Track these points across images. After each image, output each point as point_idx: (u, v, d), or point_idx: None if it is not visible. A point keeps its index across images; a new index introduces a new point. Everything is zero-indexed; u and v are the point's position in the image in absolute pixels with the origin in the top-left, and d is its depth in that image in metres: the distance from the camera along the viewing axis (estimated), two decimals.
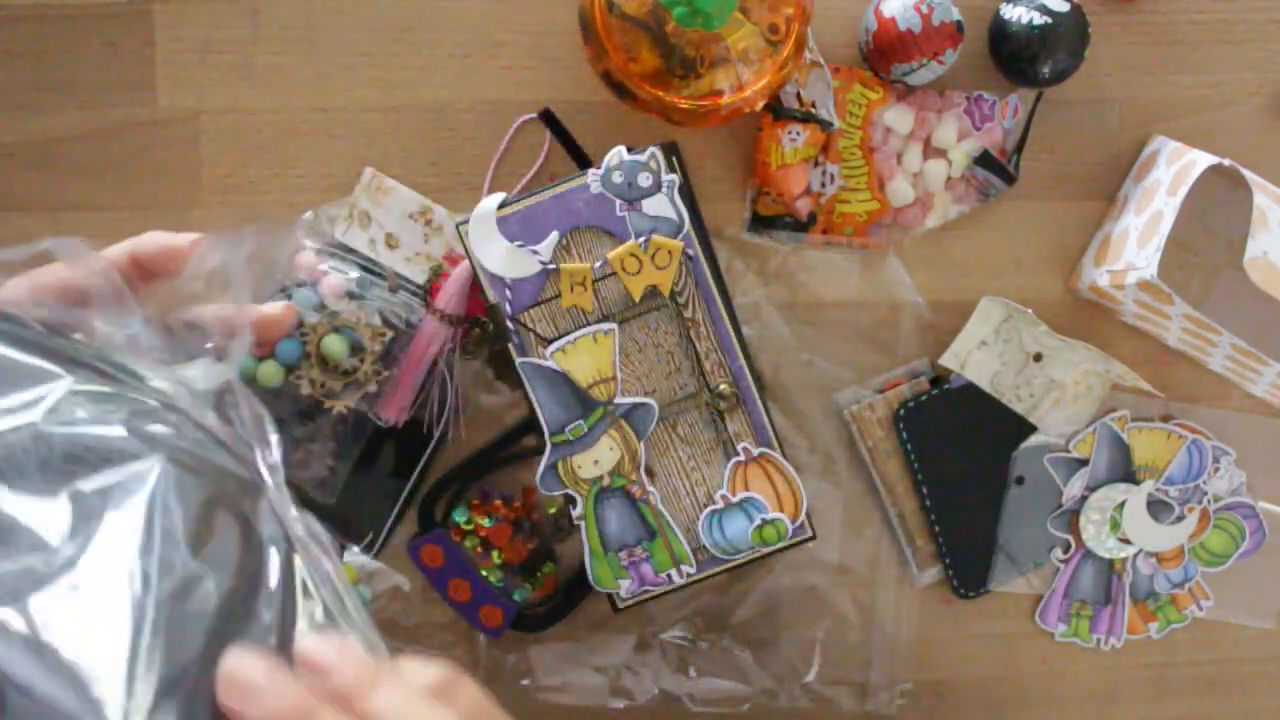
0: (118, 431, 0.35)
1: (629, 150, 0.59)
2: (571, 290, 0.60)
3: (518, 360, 0.60)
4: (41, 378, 0.35)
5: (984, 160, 0.68)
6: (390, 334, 0.62)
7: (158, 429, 0.36)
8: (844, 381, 0.69)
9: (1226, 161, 0.61)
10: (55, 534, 0.32)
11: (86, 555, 0.32)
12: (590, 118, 0.66)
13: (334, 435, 0.65)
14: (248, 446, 0.38)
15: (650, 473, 0.62)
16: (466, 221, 0.59)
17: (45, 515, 0.33)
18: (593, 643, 0.69)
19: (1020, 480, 0.70)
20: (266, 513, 0.36)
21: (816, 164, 0.67)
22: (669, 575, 0.63)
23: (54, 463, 0.34)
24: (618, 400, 0.61)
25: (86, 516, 0.33)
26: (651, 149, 0.59)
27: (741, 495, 0.62)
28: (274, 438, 0.38)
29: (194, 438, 0.36)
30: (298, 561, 0.36)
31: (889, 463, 0.69)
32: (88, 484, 0.33)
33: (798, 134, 0.65)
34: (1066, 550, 0.71)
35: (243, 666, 0.32)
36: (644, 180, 0.59)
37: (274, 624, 0.34)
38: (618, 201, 0.59)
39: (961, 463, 0.69)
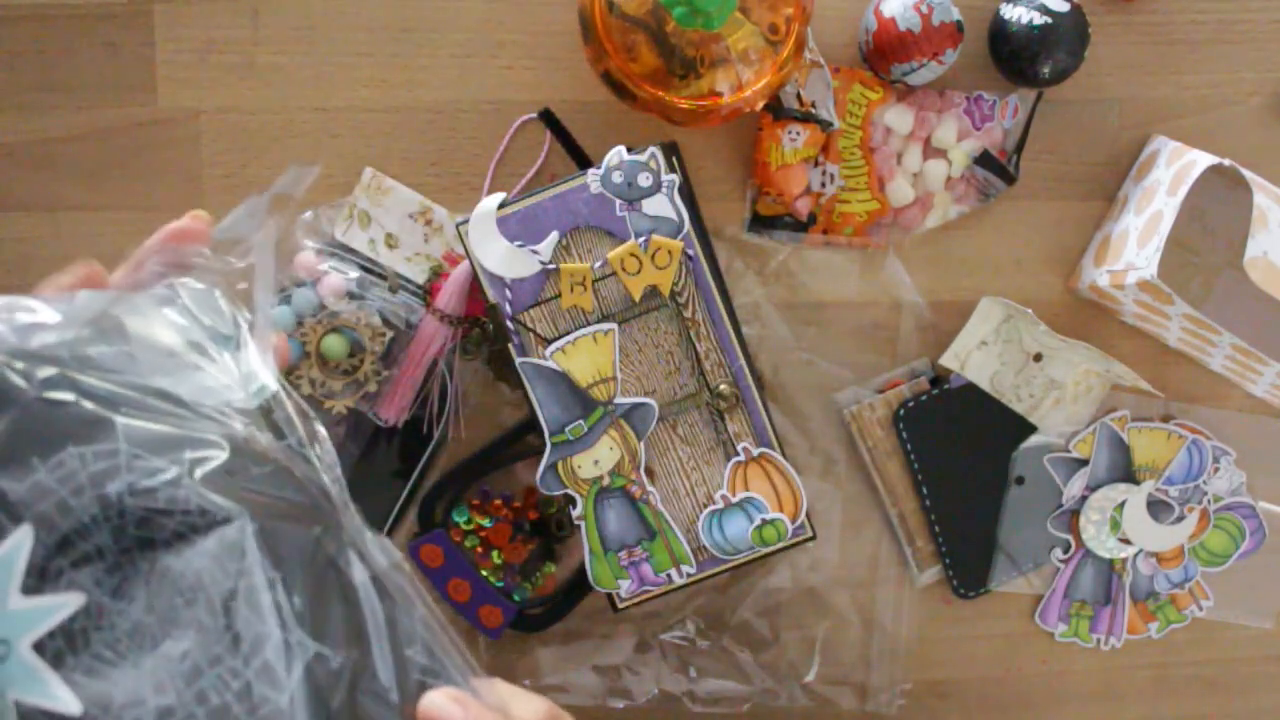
0: (191, 486, 0.31)
1: (629, 150, 0.59)
2: (571, 290, 0.60)
3: (518, 360, 0.60)
4: (92, 428, 0.31)
5: (984, 160, 0.68)
6: (390, 334, 0.62)
7: (229, 474, 0.32)
8: (844, 381, 0.69)
9: (1226, 161, 0.61)
10: (161, 628, 0.30)
11: (205, 678, 0.30)
12: (590, 118, 0.66)
13: (334, 435, 0.65)
14: (305, 462, 0.35)
15: (650, 473, 0.62)
16: (466, 221, 0.59)
17: (135, 601, 0.30)
18: (593, 643, 0.69)
19: (1020, 480, 0.70)
20: (350, 550, 0.34)
21: (816, 164, 0.67)
22: (669, 575, 0.63)
23: (129, 532, 0.31)
24: (618, 400, 0.61)
25: (188, 601, 0.30)
26: (651, 149, 0.59)
27: (741, 495, 0.62)
28: (322, 432, 0.36)
29: (262, 474, 0.33)
30: (391, 606, 0.34)
31: (889, 463, 0.69)
32: (178, 560, 0.31)
33: (798, 134, 0.65)
34: (1066, 550, 0.71)
35: None
36: (644, 180, 0.59)
37: (393, 684, 0.33)
38: (618, 201, 0.59)
39: (961, 463, 0.69)
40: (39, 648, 0.30)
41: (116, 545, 0.31)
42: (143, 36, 0.64)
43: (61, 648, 0.30)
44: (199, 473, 0.31)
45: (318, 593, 0.32)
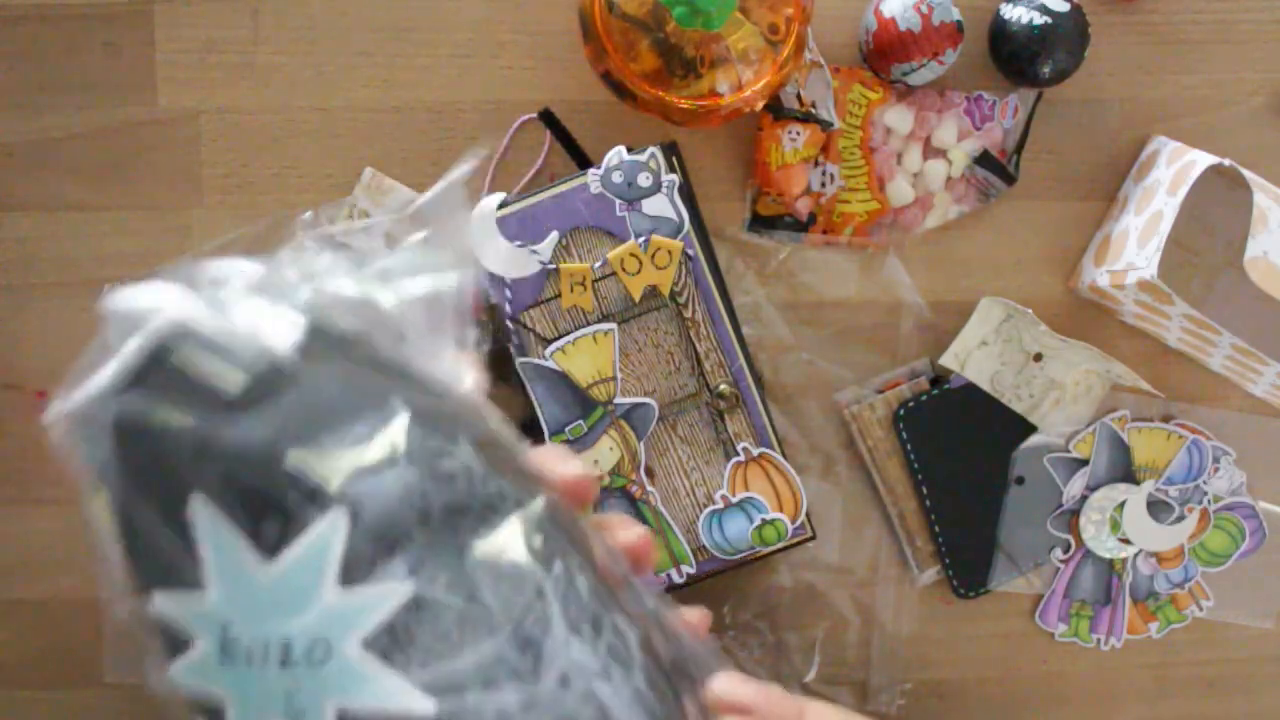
0: (483, 466, 0.28)
1: (629, 150, 0.59)
2: (571, 290, 0.60)
3: (517, 360, 0.60)
4: (380, 401, 0.27)
5: (984, 160, 0.68)
6: None
7: (499, 457, 0.29)
8: (844, 381, 0.69)
9: (1226, 161, 0.61)
10: (489, 625, 0.27)
11: (546, 662, 0.27)
12: (590, 118, 0.66)
13: None
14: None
15: (650, 473, 0.62)
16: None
17: (455, 589, 0.27)
18: None
19: (1020, 480, 0.70)
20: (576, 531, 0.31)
21: (816, 164, 0.67)
22: (669, 575, 0.63)
23: (434, 515, 0.27)
24: (618, 400, 0.61)
25: (514, 585, 0.27)
26: (651, 149, 0.59)
27: (741, 495, 0.62)
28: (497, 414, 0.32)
29: (510, 460, 0.30)
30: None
31: (889, 463, 0.69)
32: (486, 543, 0.27)
33: (798, 134, 0.65)
34: (1066, 550, 0.71)
35: None
36: (644, 180, 0.59)
37: (685, 689, 0.30)
38: (618, 201, 0.59)
39: (961, 463, 0.69)
40: (365, 646, 0.26)
41: (424, 529, 0.27)
42: (143, 36, 0.64)
43: (387, 645, 0.26)
44: (483, 454, 0.28)
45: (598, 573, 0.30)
